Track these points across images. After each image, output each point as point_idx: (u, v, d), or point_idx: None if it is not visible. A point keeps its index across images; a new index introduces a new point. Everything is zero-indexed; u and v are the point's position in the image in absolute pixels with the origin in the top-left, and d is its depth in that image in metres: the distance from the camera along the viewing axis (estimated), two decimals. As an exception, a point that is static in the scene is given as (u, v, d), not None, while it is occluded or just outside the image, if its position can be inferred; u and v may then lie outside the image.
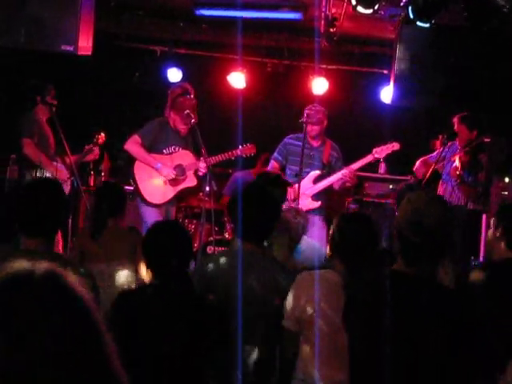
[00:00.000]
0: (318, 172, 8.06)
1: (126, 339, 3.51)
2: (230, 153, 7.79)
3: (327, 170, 8.10)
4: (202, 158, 7.62)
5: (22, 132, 7.63)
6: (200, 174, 7.73)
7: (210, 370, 3.74)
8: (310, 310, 3.84)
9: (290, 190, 7.89)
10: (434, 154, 8.27)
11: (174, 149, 7.74)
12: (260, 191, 4.49)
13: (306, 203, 7.95)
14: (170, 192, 7.73)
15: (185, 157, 7.77)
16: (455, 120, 7.96)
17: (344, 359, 3.66)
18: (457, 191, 7.97)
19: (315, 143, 8.17)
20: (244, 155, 7.87)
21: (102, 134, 8.27)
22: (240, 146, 7.82)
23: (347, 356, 3.61)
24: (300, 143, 8.07)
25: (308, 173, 8.08)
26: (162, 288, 3.69)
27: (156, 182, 7.70)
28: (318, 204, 7.99)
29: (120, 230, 5.81)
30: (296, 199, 7.80)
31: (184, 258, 3.76)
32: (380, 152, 8.09)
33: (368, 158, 8.12)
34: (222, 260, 4.25)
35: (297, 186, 7.81)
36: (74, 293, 1.44)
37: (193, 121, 7.45)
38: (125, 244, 5.62)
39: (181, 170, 7.71)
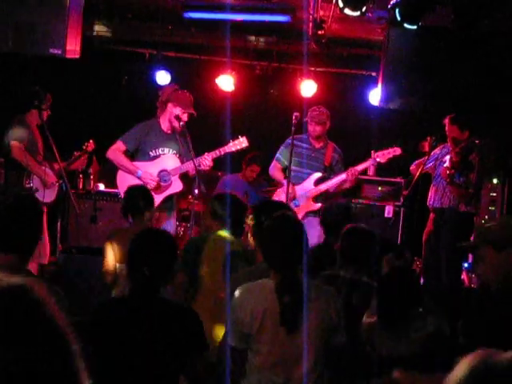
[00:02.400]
0: (320, 174, 8.08)
1: (102, 350, 3.56)
2: (222, 149, 7.56)
3: (329, 172, 8.13)
4: (193, 158, 7.53)
5: (12, 136, 7.62)
6: (190, 175, 7.60)
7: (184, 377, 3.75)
8: (255, 325, 3.72)
9: (290, 189, 7.96)
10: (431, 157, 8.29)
11: (162, 151, 7.55)
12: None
13: (307, 205, 7.99)
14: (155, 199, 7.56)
15: (169, 161, 7.56)
16: (446, 121, 7.97)
17: (292, 364, 3.70)
18: (448, 193, 7.98)
19: (317, 145, 8.19)
20: (236, 150, 7.66)
21: (91, 142, 8.27)
22: (231, 141, 7.63)
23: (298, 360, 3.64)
24: (303, 144, 8.10)
25: (309, 174, 8.11)
26: (134, 297, 3.72)
27: None
28: (318, 206, 7.99)
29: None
30: (290, 201, 7.87)
31: (159, 267, 3.74)
32: (381, 156, 8.10)
33: (369, 162, 8.15)
34: None
35: (297, 186, 8.00)
36: (42, 306, 1.47)
37: (182, 123, 7.43)
38: None
39: (165, 175, 7.53)
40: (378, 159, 8.11)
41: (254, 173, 9.87)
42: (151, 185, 7.42)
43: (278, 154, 8.32)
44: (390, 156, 8.13)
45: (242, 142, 7.65)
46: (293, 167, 8.06)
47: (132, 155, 7.59)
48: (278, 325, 3.71)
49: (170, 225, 7.62)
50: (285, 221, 3.99)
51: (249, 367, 3.81)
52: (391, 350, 2.85)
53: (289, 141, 8.22)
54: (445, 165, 7.86)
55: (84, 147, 8.21)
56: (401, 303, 3.22)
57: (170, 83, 9.42)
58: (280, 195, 8.07)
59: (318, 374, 3.79)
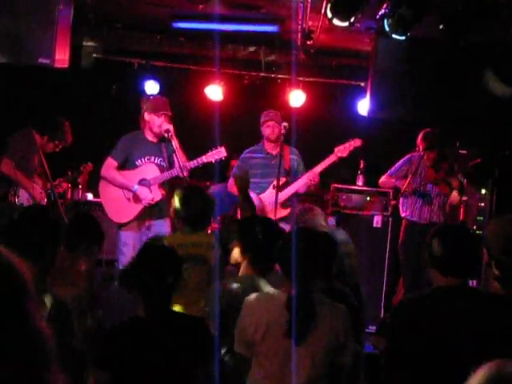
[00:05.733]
0: (282, 179, 8.00)
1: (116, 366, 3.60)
2: (199, 158, 7.49)
3: (292, 175, 8.04)
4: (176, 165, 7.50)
5: (6, 150, 7.69)
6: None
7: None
8: (259, 335, 3.78)
9: (256, 201, 7.93)
10: (393, 168, 8.41)
11: (148, 159, 7.59)
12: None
13: (275, 212, 7.91)
14: (135, 209, 7.53)
15: (149, 170, 7.57)
16: (422, 142, 8.10)
17: (290, 378, 3.68)
18: (436, 209, 8.12)
19: (274, 151, 8.13)
20: (214, 160, 7.55)
21: (89, 164, 8.32)
22: (209, 151, 7.56)
23: (297, 376, 3.63)
24: (258, 155, 8.07)
25: (271, 182, 8.06)
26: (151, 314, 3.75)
27: (119, 200, 7.58)
28: (287, 211, 7.90)
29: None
30: (264, 211, 7.86)
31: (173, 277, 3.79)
32: (343, 150, 8.03)
33: (331, 158, 8.05)
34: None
35: (261, 196, 7.99)
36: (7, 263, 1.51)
37: (170, 132, 7.42)
38: None
39: (145, 184, 7.53)
40: (339, 154, 8.05)
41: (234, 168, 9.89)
42: (145, 201, 7.44)
43: (234, 171, 8.32)
44: (351, 149, 8.07)
45: (220, 152, 7.57)
46: (254, 179, 8.03)
47: (122, 166, 7.62)
48: (282, 338, 3.72)
49: (162, 231, 7.59)
50: (307, 234, 4.03)
51: (249, 377, 3.85)
52: None
53: (243, 155, 8.24)
54: (453, 193, 7.99)
55: (81, 168, 8.24)
56: None
57: (145, 95, 9.42)
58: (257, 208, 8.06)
59: None
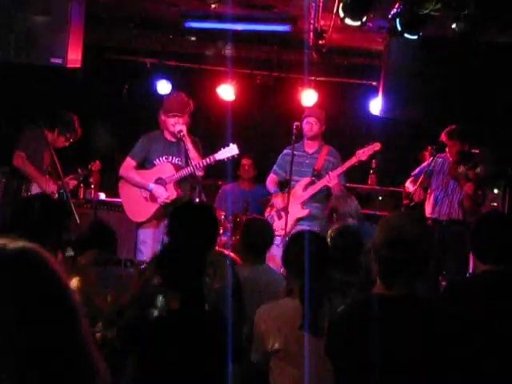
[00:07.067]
0: (308, 179, 8.01)
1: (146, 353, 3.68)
2: (212, 156, 7.49)
3: (319, 176, 8.02)
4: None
5: (17, 145, 7.73)
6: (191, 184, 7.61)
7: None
8: (276, 345, 3.78)
9: (281, 198, 7.94)
10: (417, 170, 8.34)
11: (166, 158, 7.63)
12: None
13: (295, 211, 7.92)
14: (152, 207, 7.57)
15: (165, 169, 7.61)
16: (445, 135, 8.01)
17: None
18: (455, 206, 8.06)
19: (310, 150, 8.09)
20: (226, 158, 7.55)
21: (98, 162, 8.33)
22: (221, 149, 7.55)
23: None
24: (296, 152, 8.06)
25: (300, 181, 8.07)
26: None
27: (137, 199, 7.63)
28: (305, 212, 7.89)
29: None
30: (281, 209, 7.85)
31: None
32: (362, 154, 8.04)
33: (352, 161, 8.05)
34: None
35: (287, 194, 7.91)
36: (49, 269, 1.41)
37: (181, 132, 7.43)
38: None
39: (161, 183, 7.57)
40: (360, 157, 8.04)
41: (245, 167, 9.86)
42: (161, 199, 7.45)
43: (274, 167, 8.31)
44: (371, 152, 8.08)
45: (232, 150, 7.55)
46: (291, 176, 8.05)
47: (141, 166, 7.70)
48: (301, 345, 3.71)
49: None
50: (307, 235, 4.06)
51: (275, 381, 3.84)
52: None
53: (284, 151, 8.21)
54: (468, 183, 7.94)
55: (90, 166, 8.26)
56: None
57: (170, 92, 9.47)
58: (277, 203, 8.07)
59: None
